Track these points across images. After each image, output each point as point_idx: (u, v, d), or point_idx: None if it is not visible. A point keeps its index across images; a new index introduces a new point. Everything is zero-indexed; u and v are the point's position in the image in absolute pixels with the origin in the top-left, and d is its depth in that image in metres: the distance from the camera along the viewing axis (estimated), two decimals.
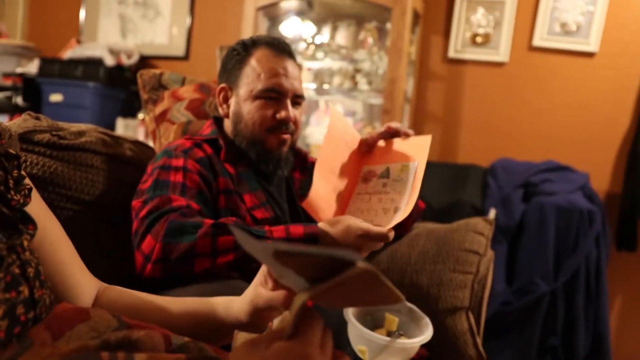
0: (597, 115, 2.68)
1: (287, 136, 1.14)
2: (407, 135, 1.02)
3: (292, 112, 1.11)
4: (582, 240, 2.21)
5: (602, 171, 2.62)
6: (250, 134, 1.12)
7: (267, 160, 1.12)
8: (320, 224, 0.91)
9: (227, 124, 1.18)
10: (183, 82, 1.53)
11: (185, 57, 3.38)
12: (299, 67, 1.19)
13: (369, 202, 0.99)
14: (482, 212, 2.37)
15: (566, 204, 2.23)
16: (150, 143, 1.47)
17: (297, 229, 0.90)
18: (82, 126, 1.14)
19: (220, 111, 1.18)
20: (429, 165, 2.65)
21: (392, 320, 0.89)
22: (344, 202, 1.00)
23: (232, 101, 1.15)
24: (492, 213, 2.33)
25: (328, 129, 0.97)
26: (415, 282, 1.28)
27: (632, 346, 2.59)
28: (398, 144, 1.04)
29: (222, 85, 1.17)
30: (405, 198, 0.95)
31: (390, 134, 1.03)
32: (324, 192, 0.96)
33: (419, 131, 2.99)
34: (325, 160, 0.97)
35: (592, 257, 2.21)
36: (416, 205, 1.26)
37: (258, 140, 1.12)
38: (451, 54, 2.89)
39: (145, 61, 3.43)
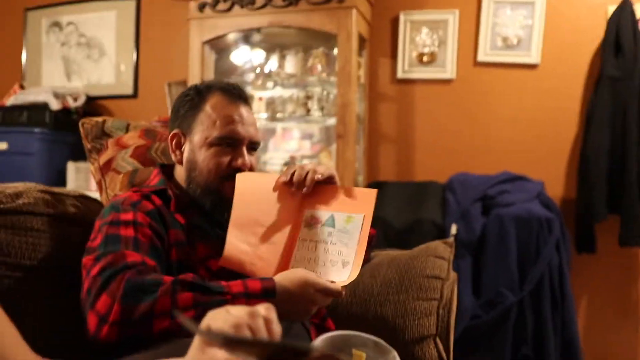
0: (545, 124, 2.73)
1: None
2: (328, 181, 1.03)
3: (248, 159, 1.11)
4: (543, 247, 2.23)
5: (556, 178, 2.65)
6: (205, 181, 1.10)
7: (223, 208, 1.10)
8: (277, 278, 0.92)
9: (180, 171, 1.17)
10: (127, 129, 1.49)
11: (134, 95, 3.33)
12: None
13: (315, 252, 1.00)
14: (443, 229, 2.37)
15: (525, 214, 2.25)
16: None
17: (255, 284, 0.89)
18: (20, 186, 1.10)
19: (173, 157, 1.16)
20: (388, 185, 2.78)
21: (360, 355, 0.89)
22: (287, 249, 1.01)
23: (186, 147, 1.13)
24: (453, 229, 2.34)
25: (235, 193, 0.98)
26: (380, 314, 1.27)
27: (601, 346, 2.63)
28: (343, 193, 1.04)
29: (175, 131, 1.15)
30: (352, 252, 0.96)
31: (324, 181, 1.05)
32: (247, 247, 0.97)
33: (374, 153, 2.98)
34: (239, 216, 0.98)
35: (555, 263, 2.24)
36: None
37: (213, 188, 1.10)
38: (399, 74, 2.92)
39: (93, 102, 3.37)
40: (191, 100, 1.14)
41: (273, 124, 3.02)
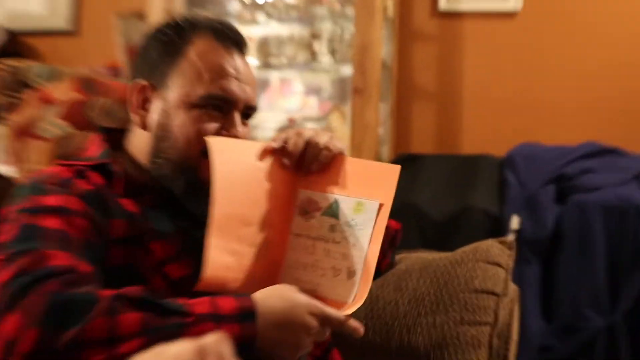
0: None
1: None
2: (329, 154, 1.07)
3: (242, 129, 1.14)
4: None
5: None
6: (180, 156, 1.12)
7: (199, 196, 1.10)
8: (258, 295, 0.93)
9: (139, 140, 1.18)
10: (56, 77, 1.50)
11: (73, 31, 3.31)
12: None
13: (312, 254, 1.03)
14: (500, 222, 2.38)
15: (617, 201, 2.24)
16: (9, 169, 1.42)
17: (228, 303, 0.91)
18: None
19: (134, 119, 1.17)
20: (423, 159, 2.76)
21: None
22: (277, 251, 1.05)
23: (155, 106, 1.15)
24: (514, 222, 2.34)
25: (212, 169, 1.00)
26: (407, 344, 1.28)
27: None
28: (351, 167, 1.07)
29: (141, 82, 1.16)
30: (361, 256, 0.99)
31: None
32: (231, 258, 1.00)
33: (405, 114, 2.96)
34: (223, 214, 1.00)
35: None
36: (387, 229, 1.31)
37: (190, 166, 1.11)
38: (443, 5, 2.90)
39: (15, 39, 3.32)
40: (169, 41, 1.16)
41: (266, 73, 3.01)
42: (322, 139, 1.09)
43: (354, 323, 0.94)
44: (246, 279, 1.01)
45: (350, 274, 1.00)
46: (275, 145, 1.09)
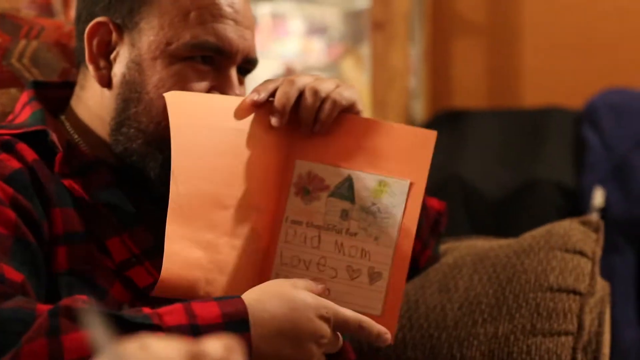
0: None
1: None
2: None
3: (240, 91, 1.17)
4: None
5: None
6: (156, 126, 1.12)
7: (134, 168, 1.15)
8: (249, 295, 0.96)
9: (95, 99, 1.20)
10: None
11: None
12: None
13: (317, 248, 1.05)
14: (577, 196, 2.41)
15: None
16: None
17: (209, 309, 0.93)
18: None
19: (92, 71, 1.18)
20: (471, 117, 2.76)
21: None
22: (266, 242, 1.07)
23: (122, 56, 1.17)
24: (598, 196, 2.37)
25: (172, 135, 1.02)
26: None
27: None
28: (370, 130, 1.08)
29: (100, 19, 1.16)
30: (389, 253, 1.01)
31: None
32: (201, 252, 1.02)
33: (444, 57, 2.95)
34: (186, 194, 1.02)
35: None
36: (427, 210, 1.34)
37: (169, 139, 1.09)
38: None
39: None
40: None
41: (252, 7, 3.05)
42: (324, 87, 1.09)
43: (380, 328, 0.96)
44: (223, 280, 1.03)
45: (374, 276, 1.02)
46: (257, 98, 1.09)
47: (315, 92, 1.08)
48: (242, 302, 0.93)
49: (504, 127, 2.65)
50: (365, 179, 1.05)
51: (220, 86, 1.14)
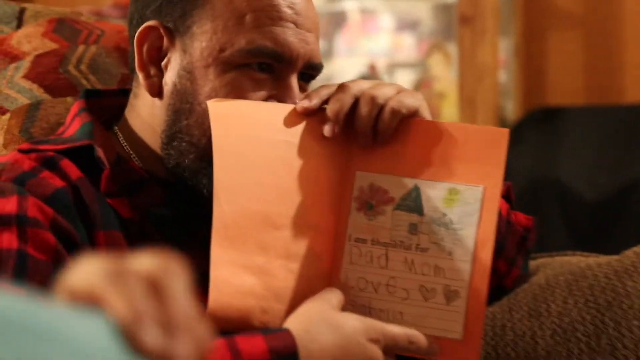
0: None
1: None
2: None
3: (299, 95, 1.13)
4: None
5: None
6: (208, 140, 1.08)
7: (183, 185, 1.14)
8: (295, 326, 0.95)
9: (147, 110, 1.19)
10: (20, 19, 1.48)
11: None
12: None
13: (385, 268, 1.02)
14: None
15: None
16: None
17: (254, 344, 0.92)
18: None
19: (141, 80, 1.17)
20: (568, 114, 2.77)
21: None
22: (328, 263, 1.05)
23: (174, 63, 1.15)
24: None
25: (214, 147, 1.01)
26: None
27: None
28: (434, 134, 1.04)
29: (151, 23, 1.15)
30: (465, 271, 0.97)
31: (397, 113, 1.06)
32: (252, 278, 1.00)
33: (538, 51, 2.94)
34: (232, 214, 1.01)
35: None
36: (513, 226, 1.30)
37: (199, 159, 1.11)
38: None
39: None
40: None
41: (340, 4, 3.06)
42: (382, 94, 1.05)
43: (432, 342, 0.97)
44: (281, 308, 1.00)
45: (451, 295, 0.99)
46: (308, 105, 1.07)
47: (372, 99, 1.05)
48: (291, 335, 0.92)
49: (603, 125, 2.62)
50: (434, 188, 1.03)
51: (280, 95, 1.11)
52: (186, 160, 1.11)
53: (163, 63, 1.14)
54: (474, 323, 0.98)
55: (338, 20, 3.05)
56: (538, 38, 2.94)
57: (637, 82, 2.85)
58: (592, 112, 2.68)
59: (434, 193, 1.02)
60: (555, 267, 1.38)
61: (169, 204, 1.13)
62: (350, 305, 1.03)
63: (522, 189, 1.20)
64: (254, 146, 1.05)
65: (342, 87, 1.08)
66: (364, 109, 1.05)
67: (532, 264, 1.40)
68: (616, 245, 1.41)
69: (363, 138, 1.06)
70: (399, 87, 1.09)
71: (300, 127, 1.07)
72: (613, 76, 2.88)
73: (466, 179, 1.02)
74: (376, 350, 0.94)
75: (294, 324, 0.96)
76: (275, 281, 1.02)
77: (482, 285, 0.98)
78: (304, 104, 1.07)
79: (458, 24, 2.64)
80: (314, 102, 1.07)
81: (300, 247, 1.04)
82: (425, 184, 1.03)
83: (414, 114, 1.06)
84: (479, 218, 1.00)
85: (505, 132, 1.03)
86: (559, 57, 2.96)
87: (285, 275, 1.02)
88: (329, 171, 1.08)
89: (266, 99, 1.11)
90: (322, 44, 3.57)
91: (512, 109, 2.85)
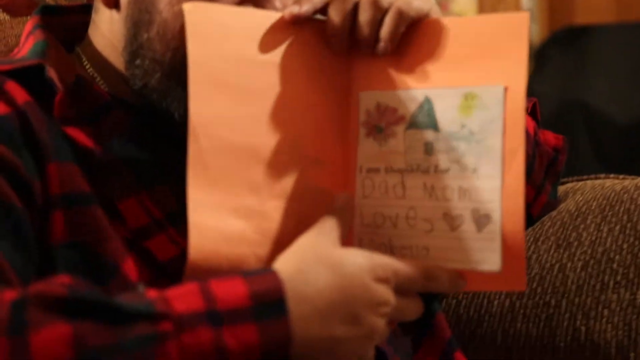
0: None
1: None
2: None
3: (280, 1, 1.06)
4: None
5: None
6: (173, 55, 1.05)
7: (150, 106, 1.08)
8: (285, 266, 0.88)
9: (107, 25, 1.14)
10: None
11: None
12: None
13: (403, 198, 0.96)
14: None
15: None
16: None
17: (233, 289, 0.84)
18: None
19: None
20: (596, 32, 2.83)
21: None
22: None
23: None
24: None
25: (189, 61, 0.93)
26: (585, 338, 1.21)
27: None
28: (445, 34, 0.98)
29: None
30: (495, 189, 0.90)
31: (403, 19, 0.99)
32: (235, 221, 0.96)
33: None
34: (212, 147, 0.96)
35: None
36: (540, 147, 1.28)
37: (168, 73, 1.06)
38: None
39: None
40: None
41: None
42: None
43: (449, 272, 0.90)
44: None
45: (481, 220, 0.90)
46: (298, 11, 0.99)
47: (375, 3, 0.98)
48: (277, 277, 0.84)
49: (636, 43, 2.57)
50: (447, 96, 0.94)
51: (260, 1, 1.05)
52: (152, 81, 1.06)
53: None
54: (513, 249, 0.88)
55: None
56: None
57: None
58: (623, 30, 2.67)
59: (448, 102, 0.94)
60: (587, 191, 1.35)
61: (137, 132, 1.07)
62: (368, 245, 0.97)
63: (549, 115, 1.14)
64: (238, 66, 0.98)
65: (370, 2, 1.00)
66: (365, 14, 0.98)
67: (561, 189, 1.38)
68: None
69: (365, 48, 1.00)
70: None
71: (291, 43, 1.01)
72: None
73: (483, 80, 0.93)
74: (385, 291, 0.86)
75: (284, 263, 0.88)
76: (272, 224, 0.96)
77: (518, 203, 0.88)
78: (293, 10, 0.99)
79: None
80: (305, 8, 0.99)
81: (299, 184, 0.98)
82: (437, 93, 0.95)
83: (422, 19, 0.99)
84: (503, 124, 0.90)
85: (524, 17, 0.92)
86: None
87: (283, 216, 0.97)
88: (329, 95, 1.01)
89: (240, 2, 1.03)
90: None
91: (536, 30, 2.87)
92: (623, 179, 1.41)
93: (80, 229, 0.97)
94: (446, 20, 0.99)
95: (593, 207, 1.29)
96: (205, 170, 0.94)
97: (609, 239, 1.24)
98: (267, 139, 0.97)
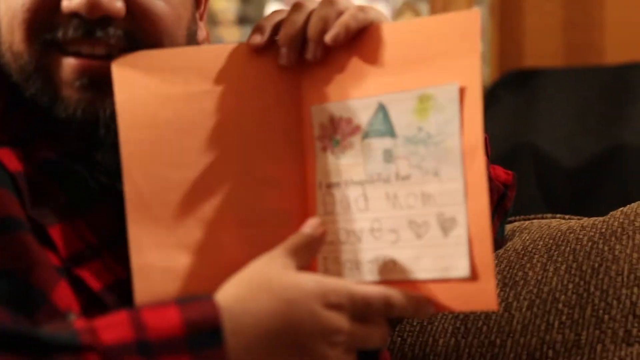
0: None
1: (96, 61, 1.03)
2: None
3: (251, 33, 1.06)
4: None
5: None
6: (17, 57, 1.04)
7: (76, 126, 1.03)
8: (226, 292, 0.86)
9: None
10: None
11: None
12: None
13: (366, 210, 0.94)
14: None
15: None
16: None
17: (165, 317, 0.82)
18: None
19: None
20: (545, 76, 2.81)
21: None
22: (296, 224, 0.95)
23: None
24: None
25: (119, 118, 0.94)
26: None
27: None
28: (394, 37, 0.96)
29: None
30: (458, 191, 0.88)
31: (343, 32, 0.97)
32: (185, 258, 0.95)
33: (514, 7, 2.99)
34: (153, 183, 0.95)
35: None
36: (490, 182, 1.25)
37: (38, 72, 1.03)
38: None
39: None
40: None
41: None
42: (337, 8, 0.97)
43: (415, 295, 0.86)
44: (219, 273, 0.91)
45: (447, 224, 0.88)
46: (260, 40, 0.99)
47: (324, 17, 0.97)
48: (213, 304, 0.82)
49: (583, 87, 2.62)
50: (401, 101, 0.92)
51: None
52: (44, 103, 1.03)
53: None
54: (482, 253, 0.85)
55: None
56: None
57: (617, 41, 2.88)
58: (571, 73, 2.68)
59: (402, 107, 0.92)
60: (534, 230, 1.36)
61: (69, 154, 1.04)
62: (333, 263, 0.95)
63: (497, 155, 1.17)
64: (167, 103, 0.98)
65: (295, 7, 0.99)
66: (318, 25, 0.97)
67: (508, 227, 1.39)
68: (596, 214, 1.37)
69: (312, 60, 0.98)
70: (360, 6, 0.99)
71: (228, 69, 1.01)
72: (593, 35, 2.91)
73: (437, 80, 0.91)
74: (337, 319, 0.83)
75: (225, 290, 0.86)
76: (227, 255, 0.94)
77: (482, 203, 0.86)
78: (255, 40, 0.99)
79: None
80: (262, 36, 0.99)
81: (254, 209, 0.97)
82: (391, 98, 0.93)
83: (367, 26, 0.98)
84: (460, 123, 0.88)
85: (475, 14, 0.91)
86: (535, 16, 2.94)
87: (240, 245, 0.95)
88: (278, 115, 1.00)
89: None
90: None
91: (487, 72, 2.90)
92: (569, 219, 1.41)
93: (6, 254, 0.94)
94: (394, 24, 0.98)
95: (539, 247, 1.29)
96: (146, 210, 0.93)
97: (555, 279, 1.23)
98: (209, 169, 0.96)
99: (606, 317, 1.15)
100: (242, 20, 3.53)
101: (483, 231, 0.85)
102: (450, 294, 0.86)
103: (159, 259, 0.93)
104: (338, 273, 0.93)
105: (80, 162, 1.05)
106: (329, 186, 0.97)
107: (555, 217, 1.44)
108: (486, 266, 0.84)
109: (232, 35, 3.46)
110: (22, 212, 0.96)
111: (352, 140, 0.95)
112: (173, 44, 1.09)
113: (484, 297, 0.85)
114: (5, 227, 0.94)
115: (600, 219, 1.31)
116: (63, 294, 0.94)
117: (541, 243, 1.30)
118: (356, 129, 0.94)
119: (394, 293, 0.86)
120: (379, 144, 0.93)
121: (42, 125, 1.05)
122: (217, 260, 0.94)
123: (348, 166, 0.95)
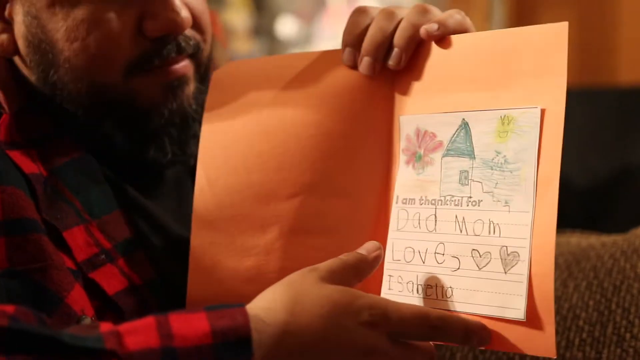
0: None
1: (183, 64, 1.08)
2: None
3: (179, 5, 1.05)
4: None
5: None
6: (88, 89, 1.05)
7: (149, 136, 1.07)
8: (257, 304, 0.84)
9: (24, 72, 1.13)
10: None
11: None
12: None
13: (433, 232, 0.92)
14: None
15: None
16: None
17: (193, 325, 0.81)
18: None
19: None
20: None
21: None
22: (366, 238, 0.93)
23: (18, 10, 1.07)
24: None
25: (204, 123, 1.02)
26: None
27: None
28: (478, 48, 0.93)
29: None
30: (525, 226, 0.83)
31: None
32: (248, 261, 0.98)
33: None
34: (228, 186, 0.99)
35: None
36: None
37: (116, 95, 1.05)
38: None
39: None
40: None
41: None
42: (428, 16, 0.96)
43: (469, 322, 0.82)
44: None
45: (509, 259, 0.83)
46: (352, 62, 0.99)
47: (415, 23, 0.96)
48: (245, 313, 0.79)
49: (595, 108, 2.60)
50: (484, 120, 0.89)
51: (154, 9, 1.02)
52: (82, 117, 1.06)
53: (6, 12, 1.05)
54: (542, 294, 0.80)
55: (319, 5, 3.00)
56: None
57: (631, 62, 2.86)
58: (583, 95, 2.66)
59: (484, 126, 0.89)
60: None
61: (85, 158, 1.05)
62: (396, 283, 0.93)
63: None
64: (252, 110, 1.00)
65: (385, 14, 0.98)
66: (402, 28, 0.96)
67: None
68: (613, 231, 1.36)
69: (395, 59, 0.96)
70: (453, 12, 0.98)
71: (325, 76, 1.00)
72: (606, 56, 2.89)
73: (520, 100, 0.87)
74: (373, 337, 0.81)
75: (259, 300, 0.84)
76: (291, 262, 0.94)
77: (548, 240, 0.81)
78: (368, 63, 0.98)
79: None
80: (348, 53, 0.98)
81: (325, 218, 0.96)
82: (474, 116, 0.90)
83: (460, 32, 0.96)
84: (538, 150, 0.84)
85: (564, 27, 0.85)
86: None
87: (305, 254, 0.95)
88: (369, 124, 0.99)
89: (136, 23, 1.02)
90: (303, 28, 3.56)
91: None
92: (589, 235, 1.40)
93: (22, 257, 0.95)
94: (479, 34, 0.95)
95: (559, 263, 1.28)
96: (214, 210, 0.97)
97: (575, 295, 1.22)
98: (280, 176, 0.97)
99: (628, 335, 1.14)
100: (255, 31, 3.54)
101: (545, 270, 0.80)
102: (505, 332, 0.82)
103: (218, 260, 0.96)
104: (400, 293, 0.91)
105: (95, 167, 1.06)
106: (405, 201, 0.95)
107: (574, 233, 1.42)
108: (546, 309, 0.80)
109: (246, 47, 3.45)
110: (37, 214, 0.97)
111: (433, 157, 0.93)
112: (209, 40, 1.14)
113: (542, 342, 0.79)
114: (20, 229, 0.95)
115: (621, 236, 1.29)
116: (78, 297, 0.95)
117: (561, 259, 1.28)
118: (439, 144, 0.92)
119: (432, 313, 0.83)
120: (457, 164, 0.90)
121: (65, 126, 1.06)
122: (279, 266, 0.95)
123: (425, 183, 0.93)
